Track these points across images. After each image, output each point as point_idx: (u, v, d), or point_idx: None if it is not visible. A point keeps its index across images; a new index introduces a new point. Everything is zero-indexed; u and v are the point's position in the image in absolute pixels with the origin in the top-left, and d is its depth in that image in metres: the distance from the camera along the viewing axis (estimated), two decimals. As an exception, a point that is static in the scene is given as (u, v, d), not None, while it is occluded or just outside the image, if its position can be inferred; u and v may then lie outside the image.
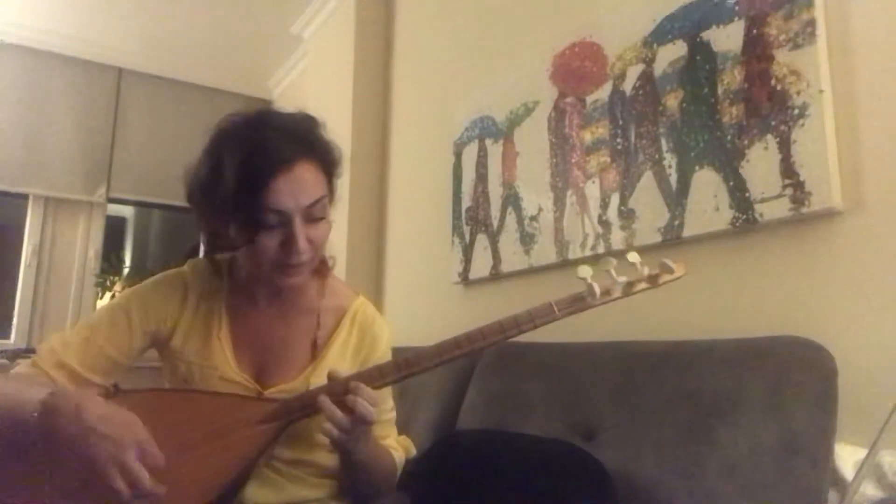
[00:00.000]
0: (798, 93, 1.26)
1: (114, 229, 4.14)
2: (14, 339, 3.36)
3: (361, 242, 2.76)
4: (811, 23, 1.25)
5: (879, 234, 1.16)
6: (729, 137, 1.38)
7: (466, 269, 2.15)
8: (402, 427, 1.28)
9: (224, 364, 1.08)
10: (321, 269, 1.16)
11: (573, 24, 1.84)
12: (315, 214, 1.01)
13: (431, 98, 2.58)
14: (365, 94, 2.89)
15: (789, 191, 1.26)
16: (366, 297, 1.22)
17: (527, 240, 1.90)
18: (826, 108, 1.22)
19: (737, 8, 1.39)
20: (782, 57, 1.29)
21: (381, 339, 1.18)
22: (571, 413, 1.39)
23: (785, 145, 1.27)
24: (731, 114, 1.38)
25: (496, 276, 2.03)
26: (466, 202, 2.19)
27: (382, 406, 1.12)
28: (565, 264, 1.77)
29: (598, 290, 0.98)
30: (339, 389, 0.96)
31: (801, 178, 1.24)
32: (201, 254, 1.19)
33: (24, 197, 3.50)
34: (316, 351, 1.12)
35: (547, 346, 1.56)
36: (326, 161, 1.05)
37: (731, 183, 1.36)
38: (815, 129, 1.23)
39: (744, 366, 1.16)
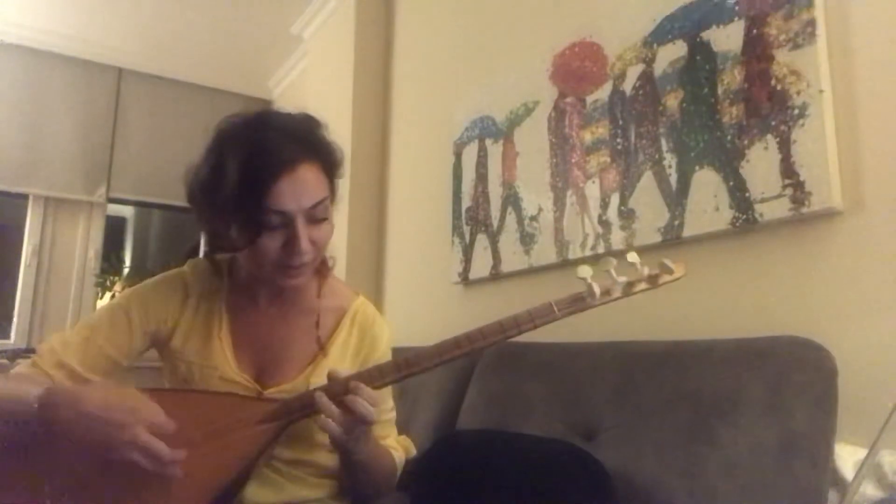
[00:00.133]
0: (798, 93, 1.26)
1: (114, 229, 4.14)
2: (14, 339, 3.36)
3: (361, 242, 2.76)
4: (811, 23, 1.25)
5: (879, 234, 1.16)
6: (729, 137, 1.38)
7: (466, 269, 2.15)
8: (402, 427, 1.28)
9: (224, 364, 1.08)
10: (321, 269, 1.16)
11: (573, 24, 1.84)
12: (317, 215, 1.01)
13: (431, 98, 2.58)
14: (365, 94, 2.89)
15: (789, 191, 1.26)
16: (366, 297, 1.22)
17: (527, 240, 1.90)
18: (826, 108, 1.22)
19: (737, 8, 1.39)
20: (782, 57, 1.30)
21: (381, 339, 1.18)
22: (571, 413, 1.39)
23: (785, 145, 1.27)
24: (731, 114, 1.38)
25: (496, 276, 2.03)
26: (466, 202, 2.19)
27: (382, 406, 1.12)
28: (565, 264, 1.77)
29: (597, 290, 0.98)
30: (339, 389, 0.96)
31: (801, 178, 1.24)
32: (201, 254, 1.19)
33: (24, 197, 3.50)
34: (316, 351, 1.12)
35: (547, 346, 1.56)
36: (328, 162, 1.05)
37: (731, 183, 1.36)
38: (815, 129, 1.23)
39: (744, 366, 1.15)
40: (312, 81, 3.40)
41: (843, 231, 1.21)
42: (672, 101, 1.51)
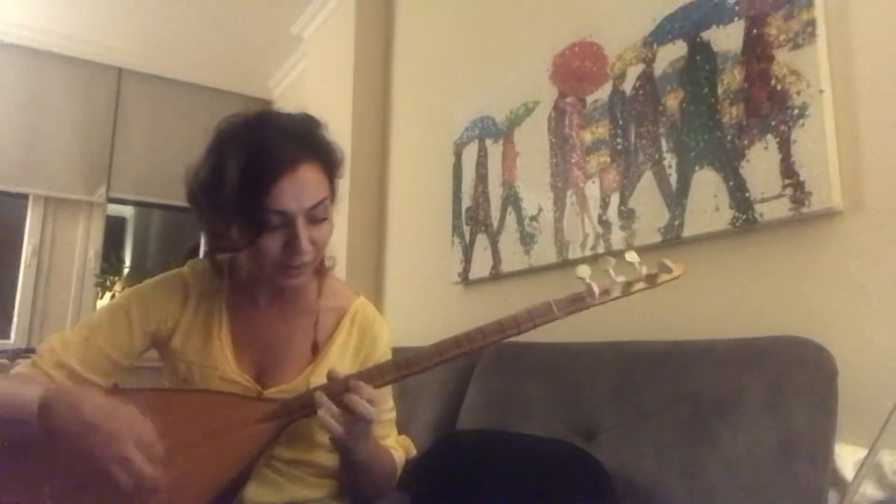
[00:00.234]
0: (798, 93, 1.26)
1: (114, 229, 4.14)
2: (14, 339, 3.37)
3: (361, 242, 2.76)
4: (811, 23, 1.25)
5: (879, 234, 1.16)
6: (729, 137, 1.38)
7: (466, 269, 2.15)
8: (402, 427, 1.28)
9: (224, 364, 1.08)
10: (321, 269, 1.16)
11: (573, 24, 1.84)
12: (317, 215, 1.01)
13: (431, 98, 2.58)
14: (365, 94, 2.89)
15: (789, 191, 1.26)
16: (366, 297, 1.22)
17: (527, 240, 1.90)
18: (826, 108, 1.22)
19: (737, 8, 1.39)
20: (782, 57, 1.30)
21: (381, 339, 1.18)
22: (571, 413, 1.39)
23: (785, 145, 1.27)
24: (731, 114, 1.38)
25: (496, 276, 2.03)
26: (466, 202, 2.19)
27: (382, 406, 1.12)
28: (565, 264, 1.77)
29: (596, 289, 0.98)
30: (339, 388, 0.96)
31: (801, 178, 1.24)
32: (201, 254, 1.19)
33: (24, 197, 3.50)
34: (316, 351, 1.12)
35: (547, 346, 1.56)
36: (329, 162, 1.05)
37: (731, 183, 1.36)
38: (815, 129, 1.23)
39: (744, 366, 1.16)
40: (312, 81, 3.40)
41: (843, 231, 1.21)
42: (672, 101, 1.51)
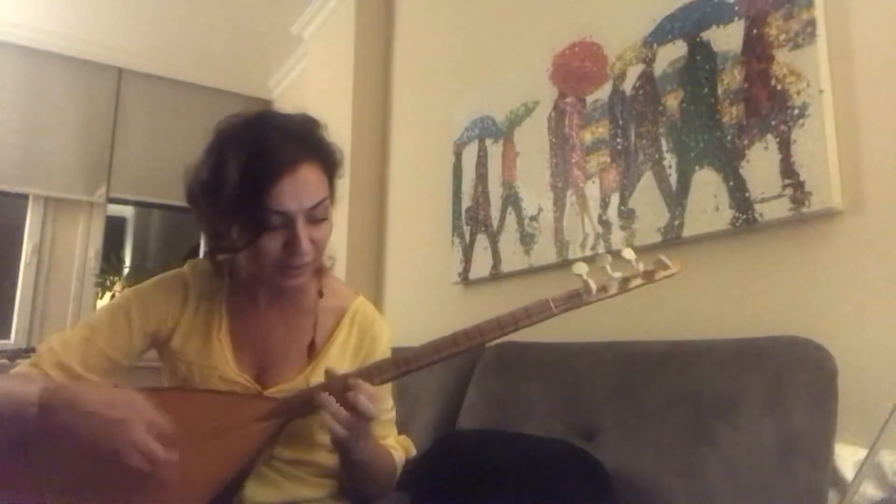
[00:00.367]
0: (798, 93, 1.26)
1: (114, 229, 4.14)
2: (14, 339, 3.36)
3: (361, 242, 2.76)
4: (811, 23, 1.25)
5: (879, 234, 1.16)
6: (729, 137, 1.38)
7: (466, 269, 2.15)
8: (402, 427, 1.28)
9: (224, 364, 1.08)
10: (321, 269, 1.16)
11: (573, 24, 1.84)
12: (317, 216, 1.01)
13: (431, 98, 2.58)
14: (365, 94, 2.89)
15: (789, 191, 1.26)
16: (366, 297, 1.22)
17: (527, 240, 1.90)
18: (826, 108, 1.22)
19: (737, 8, 1.39)
20: (782, 57, 1.30)
21: (380, 339, 1.18)
22: (571, 413, 1.39)
23: (785, 145, 1.27)
24: (731, 114, 1.38)
25: (496, 276, 2.03)
26: (466, 202, 2.19)
27: (382, 405, 1.12)
28: (565, 264, 1.77)
29: (593, 286, 0.98)
30: (339, 387, 0.96)
31: (801, 178, 1.24)
32: (201, 254, 1.19)
33: (24, 197, 3.49)
34: (315, 351, 1.12)
35: (547, 346, 1.56)
36: (328, 163, 1.05)
37: (731, 183, 1.36)
38: (815, 129, 1.23)
39: (744, 366, 1.16)
40: (312, 81, 3.40)
41: (843, 231, 1.21)
42: (672, 101, 1.51)
